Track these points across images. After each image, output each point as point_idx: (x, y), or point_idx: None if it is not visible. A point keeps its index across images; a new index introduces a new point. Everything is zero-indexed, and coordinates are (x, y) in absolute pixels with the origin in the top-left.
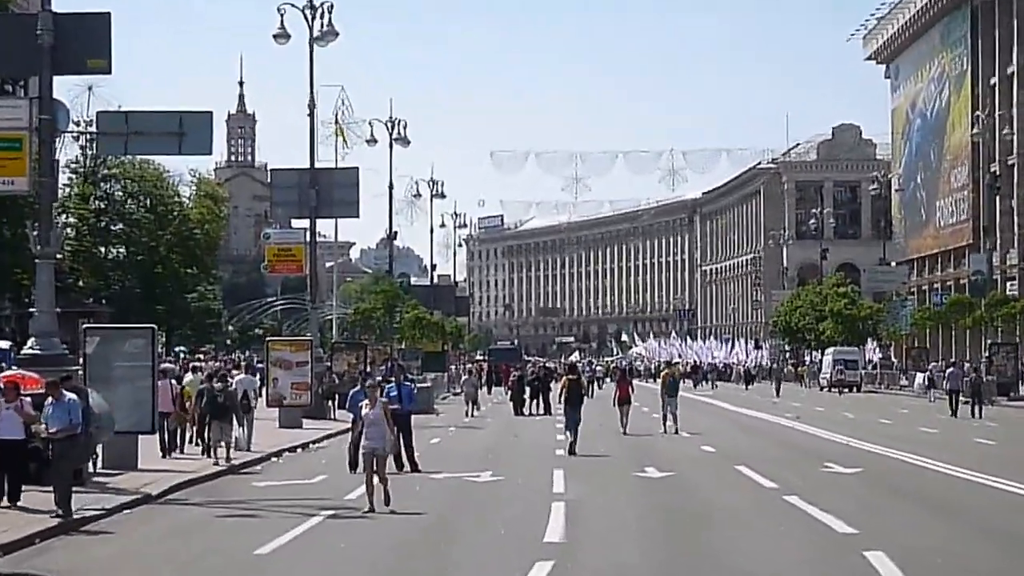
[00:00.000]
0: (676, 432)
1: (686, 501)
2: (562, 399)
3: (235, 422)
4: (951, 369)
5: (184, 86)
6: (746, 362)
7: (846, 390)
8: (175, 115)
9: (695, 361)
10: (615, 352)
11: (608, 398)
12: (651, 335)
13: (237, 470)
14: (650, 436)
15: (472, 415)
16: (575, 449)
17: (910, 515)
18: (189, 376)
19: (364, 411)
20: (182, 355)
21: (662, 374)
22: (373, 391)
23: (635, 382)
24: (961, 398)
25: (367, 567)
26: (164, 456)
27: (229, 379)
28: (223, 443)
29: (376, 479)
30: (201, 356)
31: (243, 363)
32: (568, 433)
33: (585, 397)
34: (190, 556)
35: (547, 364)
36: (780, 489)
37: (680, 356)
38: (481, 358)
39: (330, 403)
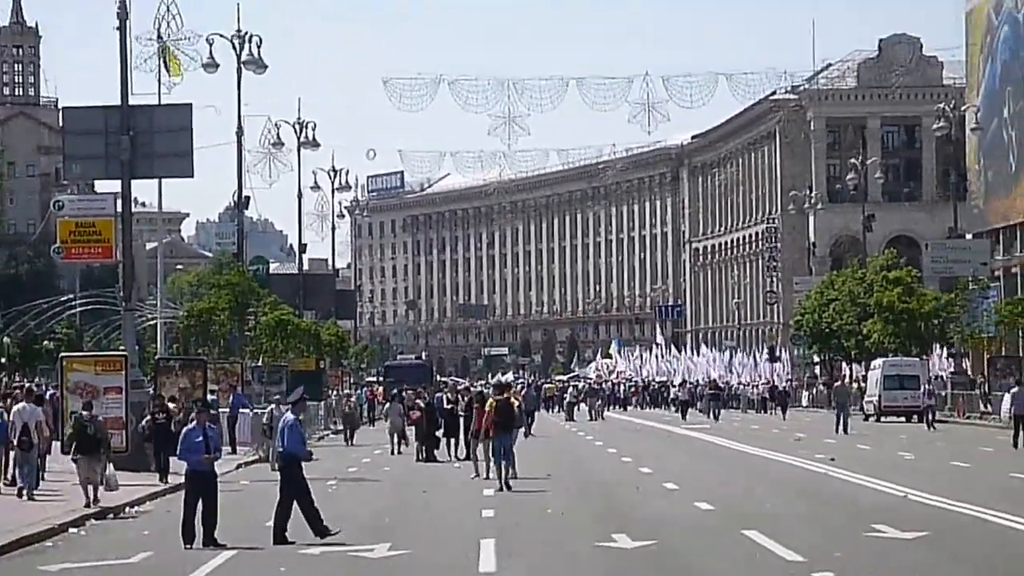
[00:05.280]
0: (504, 488)
1: None
2: (487, 424)
3: (104, 458)
4: (1016, 388)
5: None
6: (769, 381)
7: (903, 419)
8: None
9: (683, 379)
10: (573, 367)
11: (561, 437)
12: (614, 343)
13: (105, 515)
14: (621, 491)
15: (399, 452)
16: (509, 483)
17: None
18: (21, 405)
19: None
20: None
21: (489, 403)
22: None
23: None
24: None
25: None
26: None
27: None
28: (91, 482)
29: None
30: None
31: (40, 389)
32: (495, 466)
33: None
34: None
35: (470, 386)
36: (808, 564)
37: (665, 374)
38: (374, 380)
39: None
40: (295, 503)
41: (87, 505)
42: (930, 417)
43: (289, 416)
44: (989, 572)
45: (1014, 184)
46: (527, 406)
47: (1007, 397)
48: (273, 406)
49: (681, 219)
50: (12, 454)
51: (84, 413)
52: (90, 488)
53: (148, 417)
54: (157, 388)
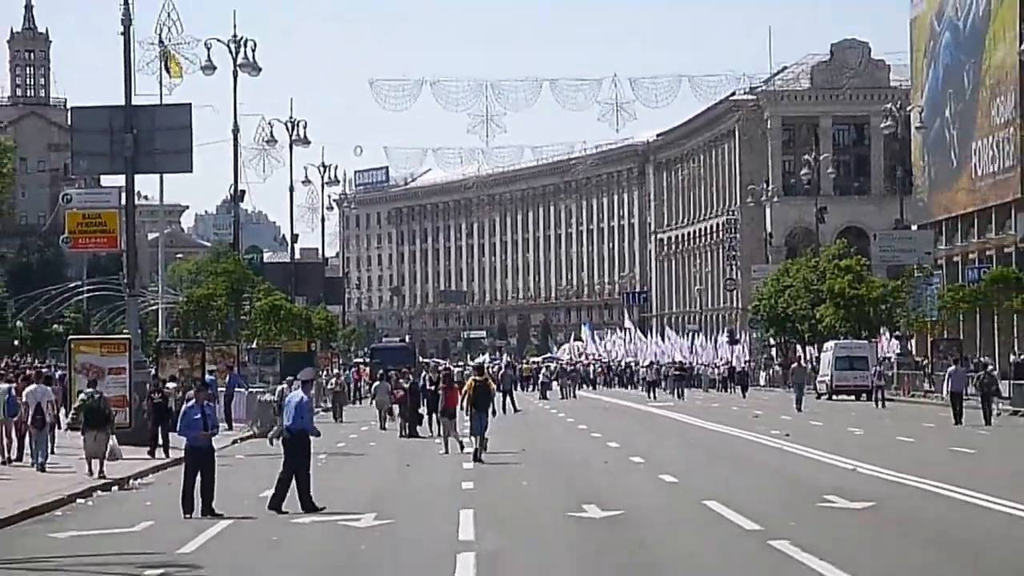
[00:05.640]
0: (478, 459)
1: (640, 551)
2: (466, 402)
3: (109, 431)
4: (952, 368)
5: None
6: (728, 362)
7: (853, 397)
8: None
9: (651, 361)
10: (551, 347)
11: (536, 414)
12: (584, 327)
13: (110, 487)
14: (590, 465)
15: (385, 427)
16: (481, 456)
17: (935, 564)
18: (33, 387)
19: None
20: None
21: (468, 384)
22: None
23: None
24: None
25: None
26: None
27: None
28: (97, 455)
29: None
30: None
31: (50, 371)
32: (473, 439)
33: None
34: None
35: (451, 367)
36: (765, 532)
37: (632, 355)
38: (361, 361)
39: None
40: (296, 475)
41: (90, 474)
42: (880, 395)
43: (301, 394)
44: (931, 539)
45: (955, 179)
46: (504, 385)
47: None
48: (284, 386)
49: (647, 211)
50: (24, 431)
51: (90, 390)
52: (95, 461)
53: (155, 393)
54: (159, 369)
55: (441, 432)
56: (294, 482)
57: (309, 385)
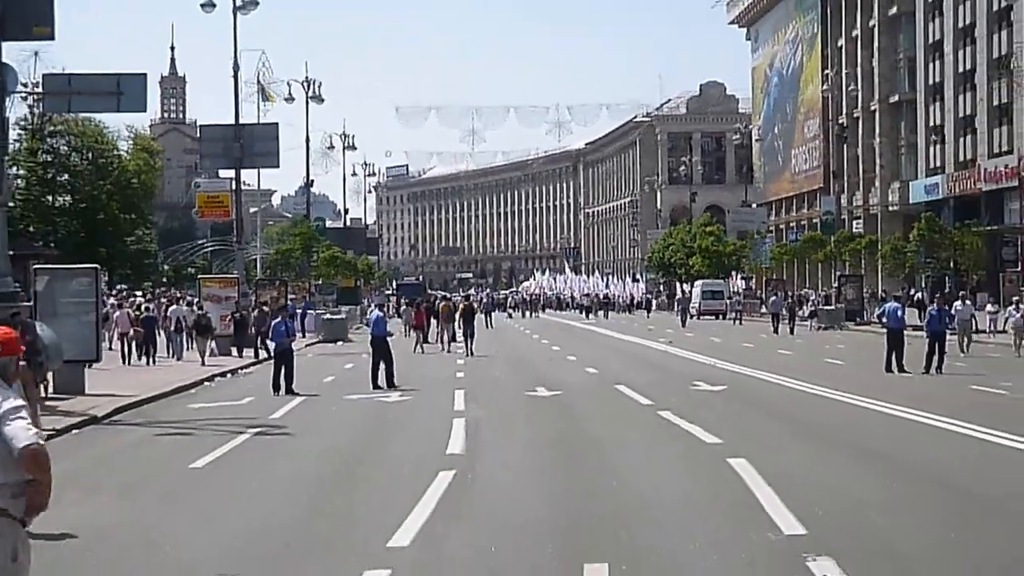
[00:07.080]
0: (471, 355)
1: (572, 415)
2: (460, 318)
3: (211, 336)
4: (773, 297)
5: (121, 51)
6: (633, 294)
7: (714, 318)
8: (113, 77)
9: (581, 292)
10: (516, 285)
11: (505, 328)
12: (546, 271)
13: (225, 375)
14: (540, 361)
15: (408, 335)
16: (472, 351)
17: (766, 425)
18: (174, 307)
19: None
20: (124, 291)
21: (462, 306)
22: None
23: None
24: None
25: (290, 478)
26: (125, 364)
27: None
28: (203, 352)
29: None
30: (139, 293)
31: (187, 298)
32: (466, 341)
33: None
34: (132, 472)
35: (447, 297)
36: (655, 405)
37: (568, 290)
38: (390, 292)
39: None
40: (382, 365)
41: (202, 364)
42: (737, 316)
43: (378, 312)
44: (764, 409)
45: (781, 174)
46: (488, 308)
47: (770, 303)
48: (373, 306)
49: (579, 194)
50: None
51: (199, 311)
52: (204, 355)
53: (236, 313)
54: (257, 298)
55: (417, 337)
56: (383, 367)
57: (383, 307)
